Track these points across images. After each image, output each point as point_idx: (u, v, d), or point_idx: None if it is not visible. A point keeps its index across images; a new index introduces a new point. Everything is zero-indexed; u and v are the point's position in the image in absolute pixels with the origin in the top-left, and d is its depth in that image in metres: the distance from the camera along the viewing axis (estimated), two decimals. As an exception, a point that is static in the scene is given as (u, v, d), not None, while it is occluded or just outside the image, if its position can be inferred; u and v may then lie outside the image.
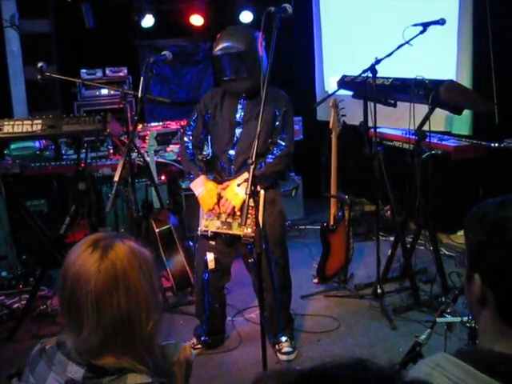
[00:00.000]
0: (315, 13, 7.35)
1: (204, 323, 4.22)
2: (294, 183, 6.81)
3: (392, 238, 5.36)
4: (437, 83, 4.46)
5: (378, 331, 4.39)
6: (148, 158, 5.35)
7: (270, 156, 3.85)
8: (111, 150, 6.28)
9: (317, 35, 7.42)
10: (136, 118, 4.17)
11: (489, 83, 5.13)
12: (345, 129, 5.00)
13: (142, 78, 4.14)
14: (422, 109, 4.49)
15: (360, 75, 4.60)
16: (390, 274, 5.08)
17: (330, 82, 7.09)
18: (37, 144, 5.83)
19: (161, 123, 6.78)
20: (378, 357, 4.00)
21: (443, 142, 5.05)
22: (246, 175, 3.44)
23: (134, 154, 4.93)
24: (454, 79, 5.07)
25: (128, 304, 1.56)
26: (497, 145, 4.79)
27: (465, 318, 2.73)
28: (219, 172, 4.03)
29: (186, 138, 4.07)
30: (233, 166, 3.94)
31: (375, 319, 4.58)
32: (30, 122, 4.46)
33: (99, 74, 7.03)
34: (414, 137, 4.58)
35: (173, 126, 6.67)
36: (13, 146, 5.68)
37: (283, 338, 4.15)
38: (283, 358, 4.07)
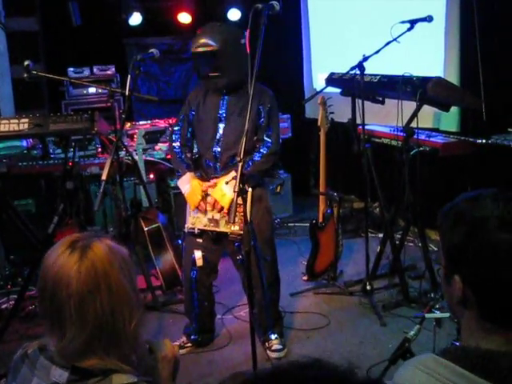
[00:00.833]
0: (303, 10, 7.35)
1: (194, 321, 4.22)
2: (278, 180, 6.78)
3: (381, 235, 5.39)
4: (424, 80, 4.47)
5: (367, 328, 4.40)
6: (136, 157, 5.33)
7: (257, 154, 3.85)
8: (99, 149, 6.26)
9: (305, 32, 7.42)
10: (124, 116, 4.16)
11: (476, 80, 5.14)
12: (333, 126, 5.00)
13: (129, 75, 4.13)
14: (409, 106, 4.50)
15: (348, 72, 4.60)
16: (379, 271, 5.09)
17: (318, 79, 7.09)
18: (24, 143, 5.79)
19: (149, 121, 6.77)
20: (367, 353, 4.02)
21: (431, 139, 5.06)
22: (233, 174, 3.43)
23: (123, 153, 4.91)
24: (442, 76, 5.08)
25: (111, 304, 1.54)
26: (484, 141, 4.81)
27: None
28: (205, 169, 4.03)
29: (173, 138, 4.11)
30: (218, 164, 3.95)
31: (365, 316, 4.59)
32: (16, 121, 4.43)
33: (87, 72, 7.00)
34: (402, 134, 4.59)
35: (161, 124, 6.65)
36: (0, 145, 5.64)
37: (273, 336, 4.15)
38: (273, 355, 4.06)
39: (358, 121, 4.67)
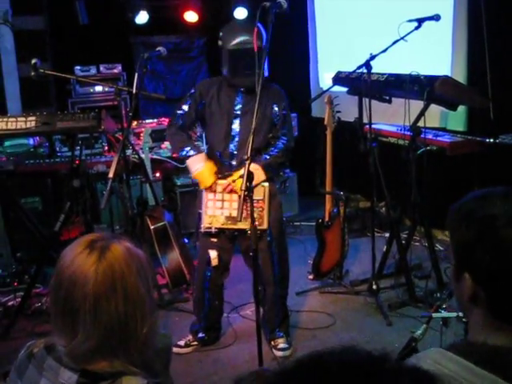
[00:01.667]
0: (310, 8, 7.34)
1: (202, 320, 4.22)
2: (281, 178, 6.77)
3: (387, 235, 5.37)
4: (432, 79, 4.45)
5: (373, 327, 4.40)
6: (143, 155, 5.33)
7: (273, 149, 3.86)
8: (106, 147, 6.26)
9: (311, 31, 7.41)
10: (130, 114, 4.15)
11: (483, 79, 5.12)
12: (340, 125, 5.00)
13: (136, 74, 4.12)
14: (416, 105, 4.49)
15: (355, 71, 4.58)
16: (386, 270, 5.08)
17: (324, 78, 7.08)
18: (31, 141, 5.80)
19: (155, 120, 6.77)
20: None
21: (438, 138, 5.04)
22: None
23: (129, 151, 4.92)
24: (449, 75, 5.07)
25: (125, 307, 1.52)
26: (492, 140, 4.79)
27: (461, 314, 2.73)
28: (219, 166, 3.98)
29: (177, 122, 4.01)
30: (234, 161, 3.94)
31: (370, 315, 4.58)
32: (23, 119, 4.44)
33: (93, 70, 7.01)
34: (408, 133, 4.57)
35: (167, 122, 6.64)
36: (7, 144, 5.64)
37: (279, 335, 4.16)
38: (279, 354, 4.06)
39: (365, 120, 4.65)
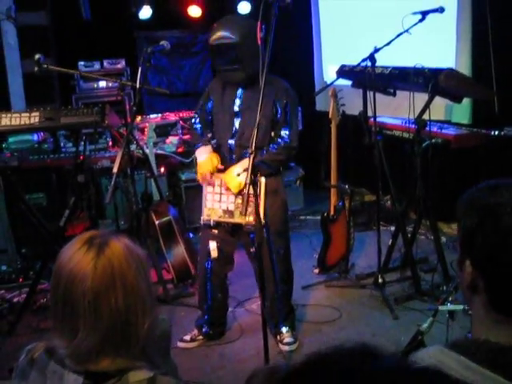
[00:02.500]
0: (313, 1, 7.31)
1: (206, 313, 4.22)
2: (296, 173, 6.79)
3: (392, 228, 5.37)
4: (436, 71, 4.43)
5: (379, 321, 4.39)
6: (147, 150, 5.33)
7: (272, 145, 3.85)
8: (110, 143, 6.25)
9: (315, 24, 7.38)
10: (134, 108, 4.15)
11: (488, 71, 5.10)
12: (344, 118, 4.98)
13: (139, 68, 4.11)
14: (421, 98, 4.47)
15: (359, 64, 4.57)
16: (391, 264, 5.07)
17: (328, 71, 7.06)
18: (35, 137, 5.80)
19: (160, 115, 6.76)
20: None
21: (443, 131, 5.02)
22: (245, 162, 3.41)
23: (133, 146, 4.91)
24: (454, 67, 5.04)
25: (125, 303, 1.51)
26: (497, 133, 4.77)
27: (467, 307, 2.72)
28: (222, 161, 4.02)
29: (194, 122, 4.19)
30: (234, 156, 3.95)
31: (376, 309, 4.58)
32: (27, 115, 4.44)
33: (97, 66, 6.99)
34: (413, 126, 4.56)
35: (171, 117, 6.64)
36: (11, 140, 5.65)
37: (285, 329, 4.15)
38: (285, 348, 4.06)
39: (370, 113, 4.64)
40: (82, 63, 6.90)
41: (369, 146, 4.70)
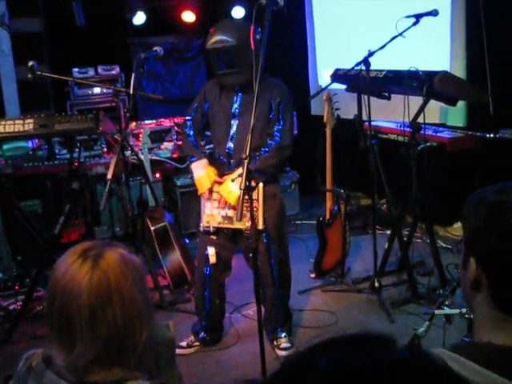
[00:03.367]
0: (307, 5, 7.32)
1: (203, 319, 4.20)
2: (291, 178, 6.78)
3: (388, 232, 5.36)
4: (431, 74, 4.44)
5: (376, 325, 4.38)
6: (142, 156, 5.32)
7: (264, 149, 3.84)
8: (105, 149, 6.25)
9: (309, 28, 7.39)
10: (128, 114, 4.14)
11: (483, 74, 5.11)
12: (339, 122, 4.98)
13: (133, 74, 4.11)
14: (416, 101, 4.48)
15: (353, 68, 4.57)
16: (388, 268, 5.06)
17: (323, 75, 7.06)
18: (29, 144, 5.79)
19: (154, 121, 6.75)
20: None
21: (438, 134, 5.03)
22: (240, 171, 3.41)
23: (128, 152, 4.90)
24: (448, 70, 5.05)
25: (122, 316, 1.49)
26: (492, 135, 4.78)
27: (464, 310, 2.72)
28: (219, 165, 4.02)
29: (187, 128, 4.11)
30: (232, 160, 3.94)
31: (373, 313, 4.57)
32: (21, 122, 4.42)
33: (91, 72, 6.99)
34: (408, 129, 4.56)
35: (166, 123, 6.63)
36: (5, 147, 5.63)
37: (282, 334, 4.14)
38: (282, 353, 4.05)
39: (364, 117, 4.64)
40: (76, 69, 6.89)
41: (364, 149, 4.70)
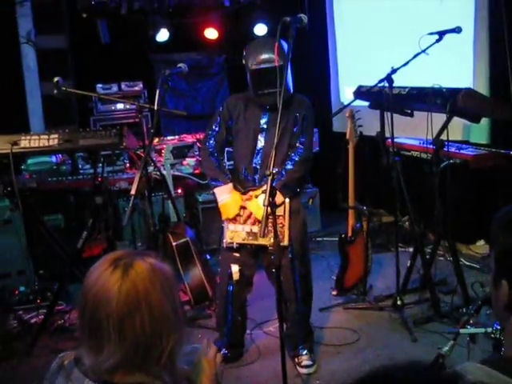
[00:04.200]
0: (329, 23, 7.34)
1: (225, 336, 4.19)
2: (310, 194, 6.76)
3: (411, 249, 5.31)
4: (454, 91, 4.42)
5: (398, 343, 4.34)
6: (164, 172, 5.34)
7: (289, 163, 3.84)
8: (127, 164, 6.29)
9: (331, 45, 7.41)
10: (152, 130, 4.16)
11: (506, 90, 5.07)
12: (362, 139, 4.97)
13: (157, 90, 4.13)
14: (438, 118, 4.45)
15: (376, 85, 4.57)
16: (410, 286, 5.01)
17: (345, 92, 7.07)
18: (53, 159, 5.85)
19: (177, 137, 6.79)
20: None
21: (461, 151, 4.99)
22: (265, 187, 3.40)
23: (151, 168, 4.92)
24: (471, 87, 5.02)
25: (150, 325, 1.52)
26: (516, 153, 4.74)
27: (489, 329, 2.68)
28: (241, 182, 4.01)
29: (209, 144, 4.04)
30: (257, 176, 3.94)
31: (395, 331, 4.52)
32: (46, 137, 4.47)
33: (115, 88, 7.07)
34: (431, 146, 4.53)
35: (189, 139, 6.67)
36: (30, 161, 5.69)
37: (303, 351, 4.11)
38: (303, 371, 4.02)
39: (387, 134, 4.63)
40: (100, 86, 6.97)
41: (387, 166, 4.68)
